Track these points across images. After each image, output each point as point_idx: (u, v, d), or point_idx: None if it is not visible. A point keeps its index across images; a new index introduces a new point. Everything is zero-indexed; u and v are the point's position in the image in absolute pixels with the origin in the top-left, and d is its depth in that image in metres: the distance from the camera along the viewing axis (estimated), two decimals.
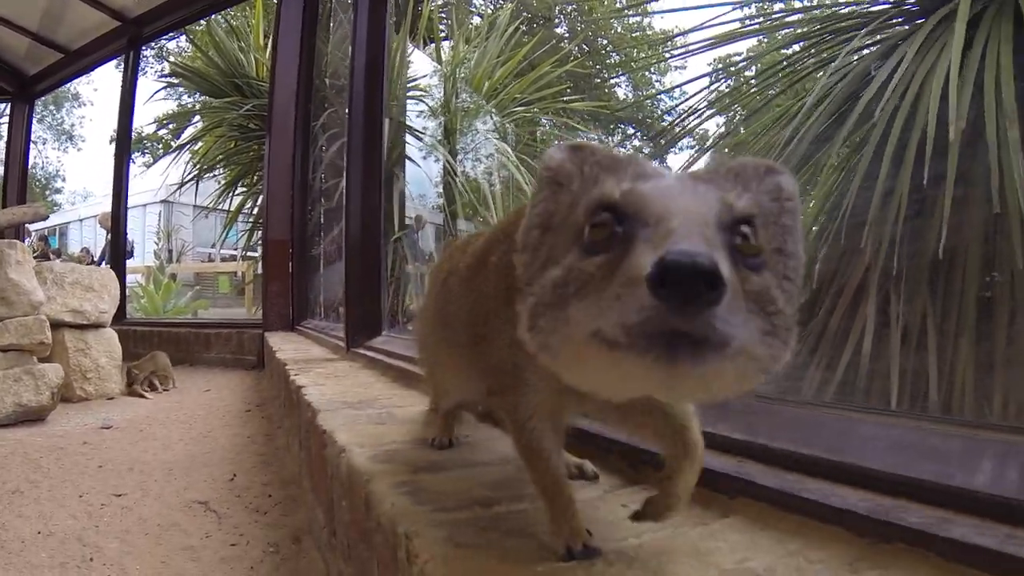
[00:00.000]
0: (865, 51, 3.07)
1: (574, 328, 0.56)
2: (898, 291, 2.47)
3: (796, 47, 3.53)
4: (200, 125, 8.81)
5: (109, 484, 2.52)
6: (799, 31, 3.66)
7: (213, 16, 7.90)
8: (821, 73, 3.16)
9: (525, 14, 17.70)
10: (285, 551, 1.86)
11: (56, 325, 4.09)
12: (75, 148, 27.98)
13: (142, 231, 14.35)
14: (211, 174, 8.19)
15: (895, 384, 2.36)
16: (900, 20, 3.13)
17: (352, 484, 1.16)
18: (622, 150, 0.66)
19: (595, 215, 0.59)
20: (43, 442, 3.19)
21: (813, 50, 3.37)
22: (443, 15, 9.73)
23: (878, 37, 3.07)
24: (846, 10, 3.40)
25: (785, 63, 3.49)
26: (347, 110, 3.75)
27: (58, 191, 28.85)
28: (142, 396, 4.45)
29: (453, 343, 1.03)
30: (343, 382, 2.32)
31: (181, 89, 9.71)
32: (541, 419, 0.82)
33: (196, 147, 8.50)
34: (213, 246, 17.46)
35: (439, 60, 7.61)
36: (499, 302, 0.81)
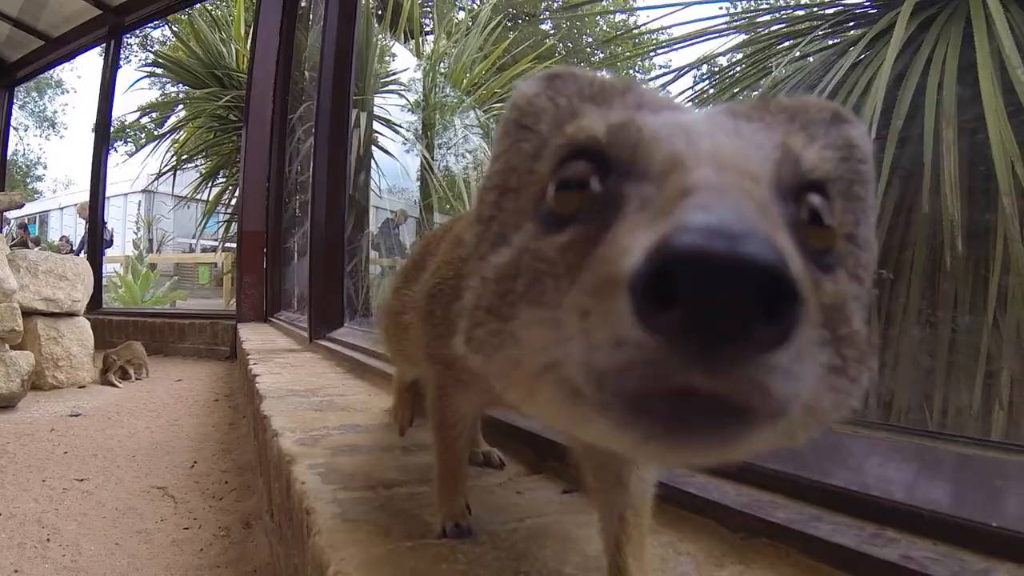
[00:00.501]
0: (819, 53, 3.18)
1: (524, 350, 0.38)
2: None
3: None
4: (182, 115, 8.85)
5: (72, 469, 2.59)
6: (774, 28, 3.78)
7: (196, 5, 7.91)
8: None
9: (510, 10, 17.76)
10: (235, 535, 1.95)
11: (28, 313, 4.13)
12: (57, 136, 27.78)
13: (123, 220, 14.32)
14: (191, 165, 8.22)
15: None
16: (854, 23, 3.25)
17: (280, 466, 1.25)
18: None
19: (565, 165, 0.41)
20: (11, 428, 3.25)
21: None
22: (427, 8, 9.77)
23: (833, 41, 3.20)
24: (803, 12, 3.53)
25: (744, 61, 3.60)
26: (315, 103, 3.82)
27: (39, 179, 28.65)
28: (114, 385, 4.51)
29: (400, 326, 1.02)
30: (298, 372, 2.41)
31: (165, 78, 9.72)
32: (463, 406, 0.83)
33: (177, 137, 8.54)
34: (193, 236, 17.45)
35: (419, 54, 7.67)
36: (424, 294, 0.78)
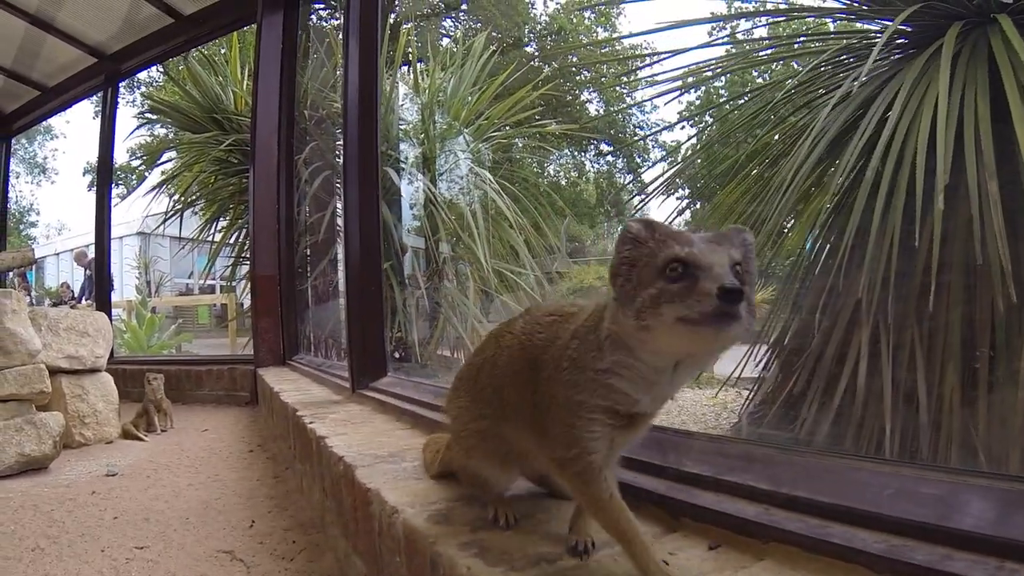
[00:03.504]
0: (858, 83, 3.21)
1: (667, 316, 0.91)
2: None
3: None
4: (176, 155, 8.85)
5: (128, 536, 2.55)
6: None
7: (192, 53, 7.92)
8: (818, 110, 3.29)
9: (495, 33, 17.92)
10: None
11: (53, 372, 4.09)
12: (48, 181, 27.70)
13: (120, 264, 14.24)
14: (194, 208, 8.21)
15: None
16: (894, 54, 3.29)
17: (412, 544, 1.24)
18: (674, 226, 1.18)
19: (671, 263, 0.92)
20: (50, 493, 3.21)
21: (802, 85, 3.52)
22: (414, 37, 9.82)
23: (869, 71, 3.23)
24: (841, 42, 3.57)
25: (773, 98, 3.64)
26: (343, 142, 3.80)
27: (33, 224, 28.56)
28: (139, 439, 4.47)
29: (509, 419, 1.24)
30: (362, 430, 2.37)
31: (159, 123, 9.72)
32: (606, 467, 1.06)
33: (174, 180, 8.53)
34: (190, 276, 17.38)
35: (416, 86, 7.70)
36: (558, 368, 1.09)
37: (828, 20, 4.07)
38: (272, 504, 2.89)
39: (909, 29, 3.22)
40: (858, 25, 3.62)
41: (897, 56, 3.24)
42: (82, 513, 2.88)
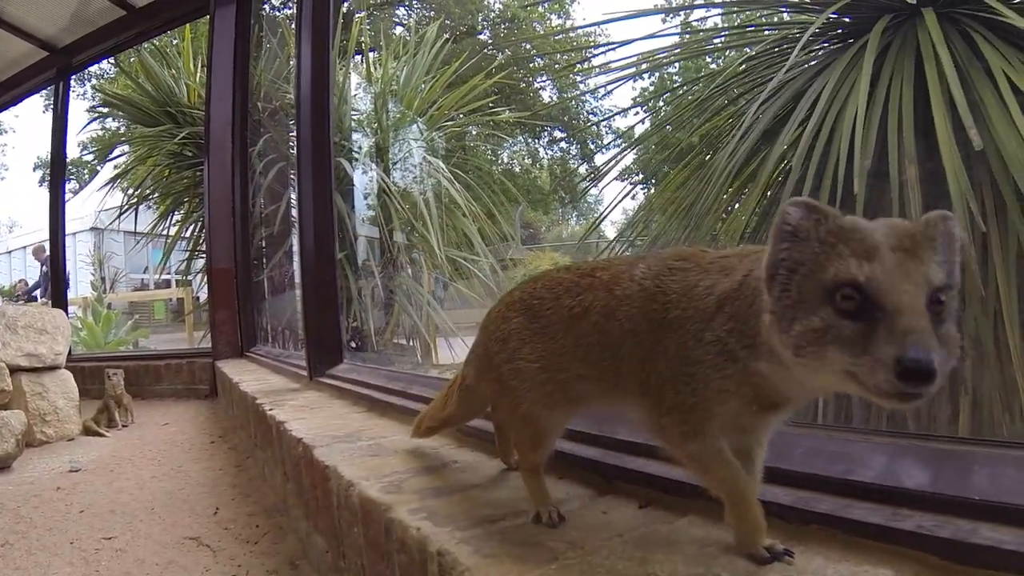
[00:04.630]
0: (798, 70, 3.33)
1: (833, 362, 0.73)
2: None
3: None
4: (128, 149, 8.76)
5: (96, 528, 2.60)
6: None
7: (145, 44, 7.83)
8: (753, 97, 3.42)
9: (447, 21, 17.91)
10: None
11: (12, 370, 4.10)
12: None
13: (73, 260, 14.01)
14: (148, 202, 8.14)
15: None
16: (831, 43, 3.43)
17: (368, 513, 1.34)
18: (844, 213, 0.79)
19: (843, 288, 0.73)
20: (15, 490, 3.23)
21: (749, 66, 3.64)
22: (367, 26, 9.81)
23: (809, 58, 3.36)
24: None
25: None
26: (296, 133, 3.83)
27: None
28: (100, 434, 4.48)
29: (592, 375, 1.06)
30: (319, 414, 2.47)
31: (106, 112, 9.59)
32: (719, 426, 0.93)
33: (127, 175, 8.46)
34: (145, 271, 17.18)
35: (369, 76, 7.72)
36: (698, 342, 0.91)
37: (783, 10, 4.19)
38: (235, 492, 2.97)
39: (848, 20, 3.36)
40: (804, 16, 3.75)
41: (834, 47, 3.39)
42: (48, 508, 2.92)
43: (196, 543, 2.37)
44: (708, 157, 3.77)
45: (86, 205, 12.89)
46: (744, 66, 3.63)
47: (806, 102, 2.92)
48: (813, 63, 3.32)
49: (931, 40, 2.70)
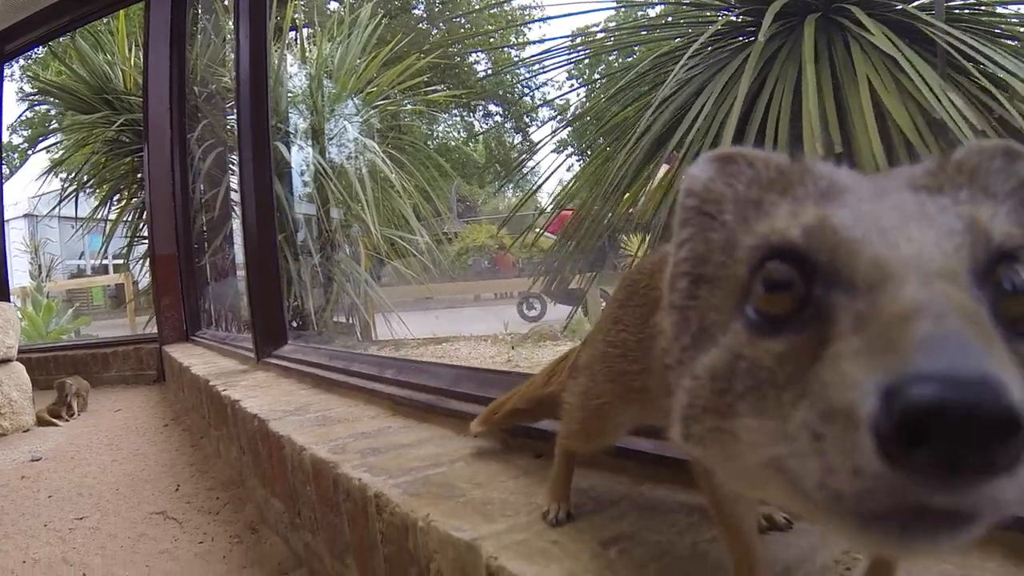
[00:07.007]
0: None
1: (745, 449, 0.41)
2: None
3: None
4: (63, 136, 8.69)
5: (66, 510, 2.77)
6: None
7: (78, 30, 7.74)
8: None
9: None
10: (248, 540, 2.25)
11: None
12: None
13: (7, 249, 13.66)
14: (83, 190, 8.13)
15: None
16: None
17: (319, 471, 1.60)
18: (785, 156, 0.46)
19: (764, 266, 0.41)
20: None
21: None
22: (301, 2, 9.74)
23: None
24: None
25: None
26: (235, 117, 3.91)
27: None
28: (54, 424, 4.60)
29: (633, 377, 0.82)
30: (270, 392, 2.70)
31: (39, 99, 9.45)
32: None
33: (62, 164, 8.41)
34: (81, 257, 16.86)
35: (303, 56, 7.78)
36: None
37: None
38: (193, 469, 3.18)
39: (748, 21, 3.60)
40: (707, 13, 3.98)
41: (732, 47, 3.63)
42: (17, 496, 3.07)
43: (163, 517, 2.58)
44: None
45: (18, 192, 12.65)
46: (640, 70, 3.87)
47: (697, 107, 3.18)
48: (722, 57, 3.57)
49: (804, 48, 2.96)
